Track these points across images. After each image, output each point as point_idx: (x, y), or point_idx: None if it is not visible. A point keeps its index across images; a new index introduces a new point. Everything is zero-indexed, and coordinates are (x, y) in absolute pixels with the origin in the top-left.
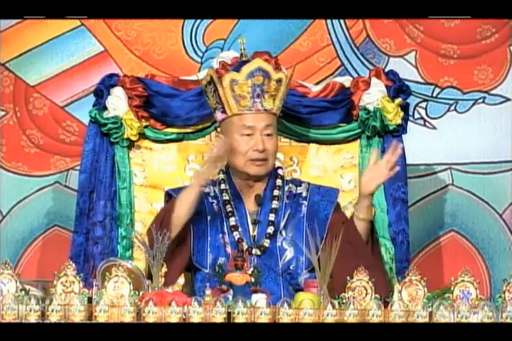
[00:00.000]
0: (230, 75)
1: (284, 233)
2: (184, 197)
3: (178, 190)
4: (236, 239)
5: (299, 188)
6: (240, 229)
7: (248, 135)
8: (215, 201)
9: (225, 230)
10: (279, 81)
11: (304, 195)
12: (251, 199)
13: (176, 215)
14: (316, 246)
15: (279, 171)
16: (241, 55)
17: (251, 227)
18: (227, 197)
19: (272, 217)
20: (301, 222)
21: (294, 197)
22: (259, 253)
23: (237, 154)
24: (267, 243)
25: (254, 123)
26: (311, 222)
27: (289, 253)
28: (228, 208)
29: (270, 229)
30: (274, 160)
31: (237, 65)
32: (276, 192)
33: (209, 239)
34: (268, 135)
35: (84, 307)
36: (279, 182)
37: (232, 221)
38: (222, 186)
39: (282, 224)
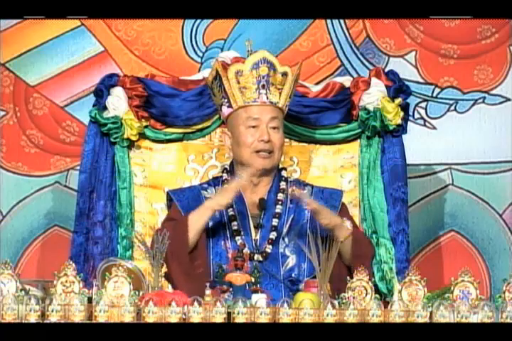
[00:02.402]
0: (235, 66)
1: (286, 239)
2: (196, 219)
3: (179, 192)
4: (238, 243)
5: None
6: (242, 233)
7: (254, 127)
8: None
9: (227, 235)
10: (284, 74)
11: None
12: (254, 202)
13: (190, 236)
14: (317, 249)
15: (283, 173)
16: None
17: (253, 231)
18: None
19: (275, 222)
20: (304, 228)
21: (297, 201)
22: (261, 259)
23: (243, 146)
24: (269, 249)
25: (259, 114)
26: (314, 228)
27: (291, 261)
28: (230, 212)
29: (273, 235)
30: (280, 154)
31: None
32: (280, 196)
33: (211, 245)
34: (274, 128)
35: (84, 307)
36: (283, 184)
37: (235, 225)
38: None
39: (285, 229)
